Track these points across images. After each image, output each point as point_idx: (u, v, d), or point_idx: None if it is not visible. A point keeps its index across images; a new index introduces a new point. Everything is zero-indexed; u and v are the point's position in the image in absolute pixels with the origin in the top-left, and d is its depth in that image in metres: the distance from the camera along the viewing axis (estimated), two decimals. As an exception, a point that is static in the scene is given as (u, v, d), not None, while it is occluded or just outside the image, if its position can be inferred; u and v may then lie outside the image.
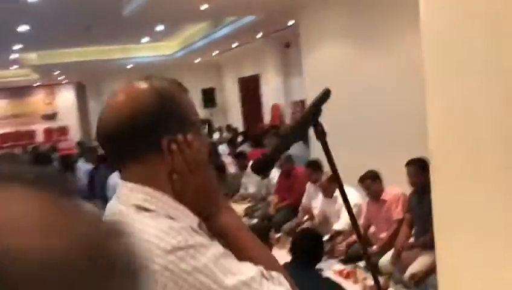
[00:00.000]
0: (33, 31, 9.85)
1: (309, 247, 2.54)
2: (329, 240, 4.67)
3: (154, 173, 0.95)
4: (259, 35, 11.43)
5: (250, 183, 6.75)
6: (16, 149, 15.48)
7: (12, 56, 12.92)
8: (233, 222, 1.01)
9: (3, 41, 10.71)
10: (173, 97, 0.98)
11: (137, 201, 0.93)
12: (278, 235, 5.49)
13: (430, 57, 1.58)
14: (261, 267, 0.93)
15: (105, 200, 5.27)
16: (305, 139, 6.25)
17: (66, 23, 9.75)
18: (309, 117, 1.16)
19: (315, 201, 5.21)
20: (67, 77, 17.06)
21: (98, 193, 6.45)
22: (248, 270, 0.90)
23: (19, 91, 17.55)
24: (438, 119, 1.59)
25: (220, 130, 14.14)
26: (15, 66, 14.65)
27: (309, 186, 5.43)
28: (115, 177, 5.28)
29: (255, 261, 0.96)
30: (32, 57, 13.37)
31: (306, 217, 5.26)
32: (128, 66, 15.06)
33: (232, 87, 15.65)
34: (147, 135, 0.93)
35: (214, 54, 14.28)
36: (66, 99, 18.43)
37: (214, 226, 1.00)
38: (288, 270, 2.53)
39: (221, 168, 7.01)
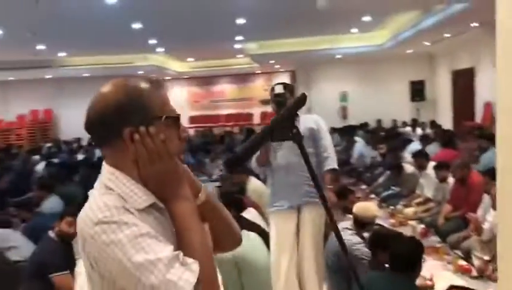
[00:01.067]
0: (249, 23, 11.00)
1: (403, 255, 2.34)
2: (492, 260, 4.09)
3: (121, 158, 1.14)
4: (474, 24, 10.29)
5: (428, 185, 6.28)
6: (234, 128, 17.64)
7: (236, 46, 14.65)
8: (183, 210, 1.12)
9: (227, 33, 12.26)
10: (140, 95, 1.14)
11: (104, 180, 1.14)
12: (440, 245, 5.06)
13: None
14: (179, 253, 1.03)
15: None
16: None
17: (274, 16, 10.58)
18: (283, 122, 1.15)
19: (489, 215, 4.59)
20: (282, 66, 18.41)
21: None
22: (161, 252, 1.02)
23: (243, 78, 19.78)
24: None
25: (423, 125, 13.29)
26: (240, 55, 16.56)
27: (485, 196, 4.81)
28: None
29: (188, 247, 1.07)
30: (253, 47, 14.89)
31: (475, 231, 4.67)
32: (337, 56, 15.38)
33: (444, 80, 14.47)
34: (114, 125, 1.12)
35: (425, 44, 13.43)
36: (281, 86, 19.92)
37: (167, 209, 1.14)
38: (382, 280, 2.41)
39: (397, 166, 6.71)
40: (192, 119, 19.33)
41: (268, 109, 19.59)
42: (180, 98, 20.45)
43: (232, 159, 1.26)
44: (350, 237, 3.51)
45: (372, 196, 7.40)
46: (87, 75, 15.98)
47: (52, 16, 9.16)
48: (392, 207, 6.44)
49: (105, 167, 1.16)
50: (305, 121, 3.46)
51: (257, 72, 19.45)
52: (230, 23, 11.01)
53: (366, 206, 3.68)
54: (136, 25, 10.54)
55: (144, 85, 1.16)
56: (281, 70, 19.36)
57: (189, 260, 1.04)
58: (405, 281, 2.38)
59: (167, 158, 1.13)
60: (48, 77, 16.18)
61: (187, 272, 1.01)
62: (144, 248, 1.01)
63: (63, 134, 16.90)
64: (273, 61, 16.31)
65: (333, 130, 14.21)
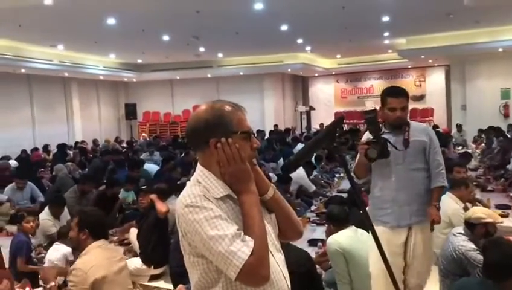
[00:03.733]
0: (393, 20, 10.82)
1: (494, 262, 2.31)
2: None
3: (209, 160, 1.55)
4: None
5: None
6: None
7: (385, 42, 14.43)
8: (248, 201, 1.50)
9: (373, 30, 12.23)
10: (222, 115, 1.53)
11: (197, 175, 1.57)
12: None
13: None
14: (241, 232, 1.42)
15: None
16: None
17: (424, 13, 10.23)
18: (326, 137, 1.40)
19: None
20: (435, 61, 17.44)
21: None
22: (228, 230, 1.41)
23: (392, 73, 19.27)
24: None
25: None
26: (389, 51, 16.21)
27: None
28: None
29: (250, 228, 1.45)
30: (402, 42, 14.49)
31: None
32: (499, 50, 14.07)
33: None
34: (203, 137, 1.53)
35: None
36: (435, 81, 18.86)
37: (238, 199, 1.51)
38: (474, 287, 2.44)
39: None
40: (338, 115, 19.53)
41: (419, 105, 18.86)
42: (327, 94, 20.82)
43: (287, 164, 1.58)
44: (464, 243, 3.47)
45: (520, 204, 6.80)
46: (241, 73, 17.32)
47: (210, 22, 10.29)
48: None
49: (198, 166, 1.59)
50: (417, 132, 3.19)
51: (409, 66, 18.75)
52: (376, 21, 10.97)
53: (474, 209, 3.60)
54: (283, 27, 11.19)
55: (226, 108, 1.55)
56: (435, 65, 18.37)
57: (247, 238, 1.41)
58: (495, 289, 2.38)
59: (240, 162, 1.51)
60: (208, 76, 17.98)
61: (244, 246, 1.39)
62: (216, 226, 1.41)
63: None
64: (423, 56, 15.61)
65: (491, 130, 13.06)
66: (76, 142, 15.03)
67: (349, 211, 3.82)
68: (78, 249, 3.17)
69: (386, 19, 10.72)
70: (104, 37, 11.49)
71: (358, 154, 3.13)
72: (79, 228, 3.02)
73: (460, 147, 12.61)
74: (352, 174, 3.17)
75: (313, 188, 7.84)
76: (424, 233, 3.19)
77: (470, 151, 11.81)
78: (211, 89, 18.13)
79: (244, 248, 1.39)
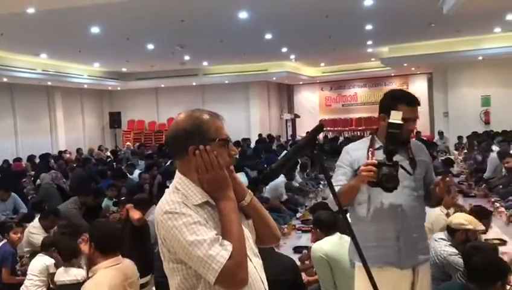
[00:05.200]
0: (376, 29, 10.99)
1: (481, 267, 2.35)
2: None
3: (187, 167, 1.57)
4: None
5: None
6: (360, 133, 17.57)
7: (369, 50, 14.61)
8: (227, 207, 1.52)
9: (357, 38, 12.39)
10: (201, 123, 1.55)
11: (175, 183, 1.58)
12: None
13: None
14: (219, 237, 1.45)
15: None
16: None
17: (406, 22, 10.41)
18: (306, 144, 1.44)
19: None
20: (418, 69, 17.71)
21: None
22: (207, 235, 1.43)
23: (376, 81, 19.50)
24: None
25: None
26: (373, 59, 16.42)
27: None
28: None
29: (228, 233, 1.47)
30: (384, 50, 14.70)
31: None
32: (479, 58, 14.36)
33: None
34: (182, 144, 1.55)
35: None
36: (418, 89, 19.05)
37: (216, 205, 1.53)
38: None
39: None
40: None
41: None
42: (311, 102, 20.98)
43: (268, 173, 1.61)
44: (446, 248, 3.54)
45: (502, 209, 6.92)
46: (226, 82, 17.36)
47: (195, 31, 10.31)
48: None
49: (177, 174, 1.61)
50: (418, 151, 2.56)
51: (392, 74, 19.00)
52: (359, 29, 11.12)
53: (456, 214, 3.68)
54: (268, 36, 11.27)
55: (204, 116, 1.58)
56: (417, 72, 18.66)
57: (226, 242, 1.44)
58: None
59: (218, 168, 1.53)
60: (194, 84, 17.97)
61: (223, 251, 1.42)
62: (195, 231, 1.44)
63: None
64: (406, 64, 15.86)
65: (475, 136, 13.24)
66: (60, 152, 14.86)
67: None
68: (89, 267, 2.78)
69: (369, 27, 10.87)
70: (88, 46, 11.42)
71: (356, 177, 2.40)
72: (89, 242, 2.73)
73: (443, 154, 12.79)
74: (332, 202, 2.54)
75: (284, 197, 7.65)
76: (428, 274, 2.67)
77: (452, 157, 12.00)
78: (196, 98, 18.12)
79: (222, 252, 1.41)
